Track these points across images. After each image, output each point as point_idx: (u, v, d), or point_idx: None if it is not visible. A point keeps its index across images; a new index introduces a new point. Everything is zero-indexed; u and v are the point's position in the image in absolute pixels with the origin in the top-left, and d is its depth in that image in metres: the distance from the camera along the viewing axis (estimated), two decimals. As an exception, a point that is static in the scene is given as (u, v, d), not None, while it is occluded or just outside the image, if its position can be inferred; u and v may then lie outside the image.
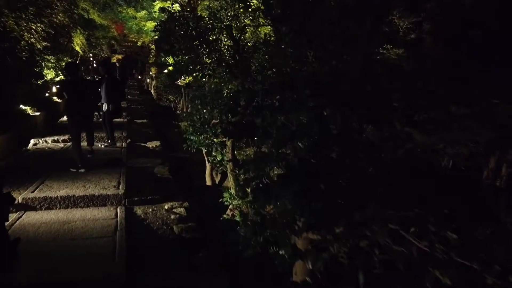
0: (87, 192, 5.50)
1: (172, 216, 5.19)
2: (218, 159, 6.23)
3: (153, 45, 31.70)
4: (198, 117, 6.18)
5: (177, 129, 14.96)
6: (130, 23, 23.40)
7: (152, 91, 28.73)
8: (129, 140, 9.99)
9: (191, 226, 4.87)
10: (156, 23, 20.20)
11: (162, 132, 13.32)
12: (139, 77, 38.80)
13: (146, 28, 23.02)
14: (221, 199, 5.93)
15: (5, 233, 2.69)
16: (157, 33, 21.85)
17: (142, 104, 19.58)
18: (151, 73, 33.20)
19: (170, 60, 20.82)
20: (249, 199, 5.54)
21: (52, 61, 13.50)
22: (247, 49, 5.33)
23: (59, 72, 13.89)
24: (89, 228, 4.58)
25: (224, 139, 6.03)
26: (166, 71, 21.40)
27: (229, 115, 5.75)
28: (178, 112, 19.65)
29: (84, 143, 7.37)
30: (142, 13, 22.32)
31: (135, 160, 8.10)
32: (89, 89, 7.23)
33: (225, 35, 5.46)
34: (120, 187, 5.88)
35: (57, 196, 5.31)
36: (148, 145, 10.20)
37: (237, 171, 5.65)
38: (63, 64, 13.51)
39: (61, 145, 9.15)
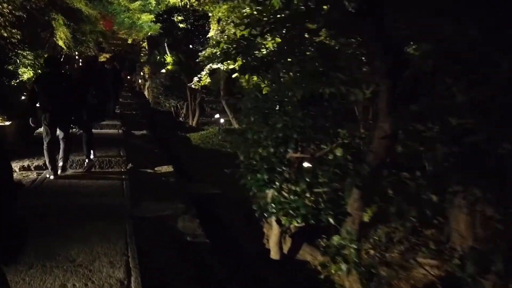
0: (69, 310, 2.72)
1: None
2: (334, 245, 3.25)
3: (145, 43, 28.98)
4: (272, 150, 3.42)
5: (187, 143, 12.17)
6: (122, 16, 20.57)
7: (146, 93, 25.81)
8: (130, 164, 7.16)
9: None
10: (153, 15, 17.49)
11: (169, 148, 10.51)
12: (128, 77, 35.84)
13: (140, 22, 20.17)
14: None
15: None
16: (152, 28, 19.18)
17: (137, 109, 16.58)
18: (142, 73, 30.32)
19: (168, 58, 17.98)
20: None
21: (29, 57, 11.26)
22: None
23: (39, 71, 11.44)
24: None
25: (327, 188, 3.23)
26: (164, 70, 18.58)
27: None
28: (181, 119, 16.82)
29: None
30: (137, 4, 19.46)
31: (144, 204, 5.30)
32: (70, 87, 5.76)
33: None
34: (132, 284, 3.11)
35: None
36: (157, 171, 7.40)
37: (372, 270, 2.87)
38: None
39: (34, 175, 6.25)
